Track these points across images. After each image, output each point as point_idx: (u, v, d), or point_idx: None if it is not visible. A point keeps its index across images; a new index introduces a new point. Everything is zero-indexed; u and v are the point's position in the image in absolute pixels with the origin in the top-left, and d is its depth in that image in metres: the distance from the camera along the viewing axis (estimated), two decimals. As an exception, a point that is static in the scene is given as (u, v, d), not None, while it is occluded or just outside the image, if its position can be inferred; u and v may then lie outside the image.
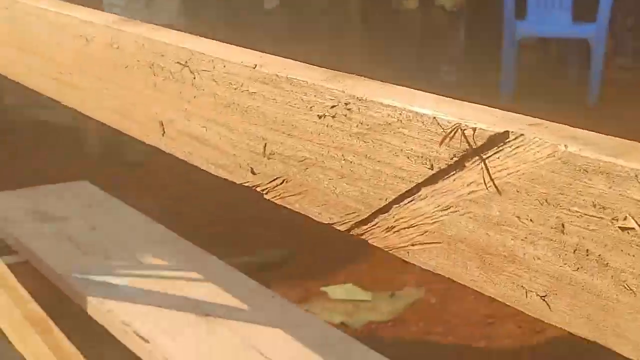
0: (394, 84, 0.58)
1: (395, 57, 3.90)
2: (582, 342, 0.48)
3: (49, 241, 1.63)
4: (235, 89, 0.69)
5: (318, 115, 0.60)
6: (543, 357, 2.14)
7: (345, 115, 0.58)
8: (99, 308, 1.43)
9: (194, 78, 0.73)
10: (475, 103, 0.51)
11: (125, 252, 1.62)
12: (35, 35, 0.97)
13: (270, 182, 0.67)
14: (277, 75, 0.64)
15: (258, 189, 0.69)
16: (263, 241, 2.85)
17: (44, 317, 1.43)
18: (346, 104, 0.58)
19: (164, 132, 0.80)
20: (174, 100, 0.76)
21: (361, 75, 0.60)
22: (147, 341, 1.32)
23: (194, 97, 0.74)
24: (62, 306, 1.63)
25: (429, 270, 0.52)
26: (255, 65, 0.66)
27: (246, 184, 0.70)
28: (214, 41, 0.77)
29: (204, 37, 0.78)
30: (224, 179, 0.73)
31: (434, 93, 0.55)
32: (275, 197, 0.67)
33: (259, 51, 0.70)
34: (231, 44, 0.75)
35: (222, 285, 1.47)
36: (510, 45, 4.21)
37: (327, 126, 0.60)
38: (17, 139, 3.68)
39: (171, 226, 1.93)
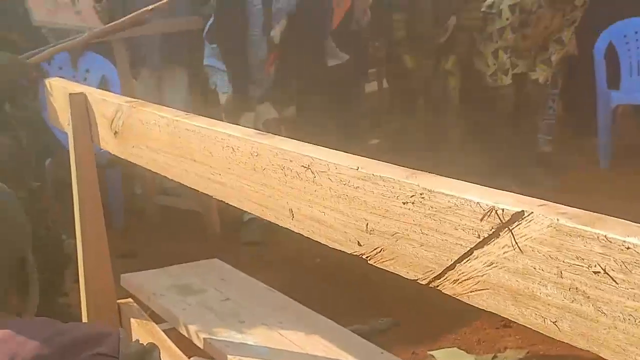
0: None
1: (493, 132, 4.10)
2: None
3: (192, 310, 1.95)
4: (344, 184, 0.96)
5: (403, 202, 0.86)
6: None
7: (421, 202, 0.83)
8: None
9: (315, 177, 1.01)
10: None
11: (255, 318, 1.91)
12: (191, 145, 1.29)
13: (372, 251, 0.93)
14: (372, 174, 0.91)
15: (363, 257, 0.95)
16: (373, 310, 3.07)
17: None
18: (421, 194, 0.83)
19: (293, 217, 1.08)
20: (300, 193, 1.04)
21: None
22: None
23: (315, 190, 1.01)
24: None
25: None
26: (358, 167, 0.93)
27: (354, 253, 0.96)
28: (326, 148, 1.04)
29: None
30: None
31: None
32: (375, 262, 0.93)
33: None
34: (339, 150, 1.02)
35: (338, 345, 1.72)
36: (605, 113, 4.36)
37: (409, 209, 0.85)
38: (146, 223, 4.10)
39: (290, 295, 2.21)
